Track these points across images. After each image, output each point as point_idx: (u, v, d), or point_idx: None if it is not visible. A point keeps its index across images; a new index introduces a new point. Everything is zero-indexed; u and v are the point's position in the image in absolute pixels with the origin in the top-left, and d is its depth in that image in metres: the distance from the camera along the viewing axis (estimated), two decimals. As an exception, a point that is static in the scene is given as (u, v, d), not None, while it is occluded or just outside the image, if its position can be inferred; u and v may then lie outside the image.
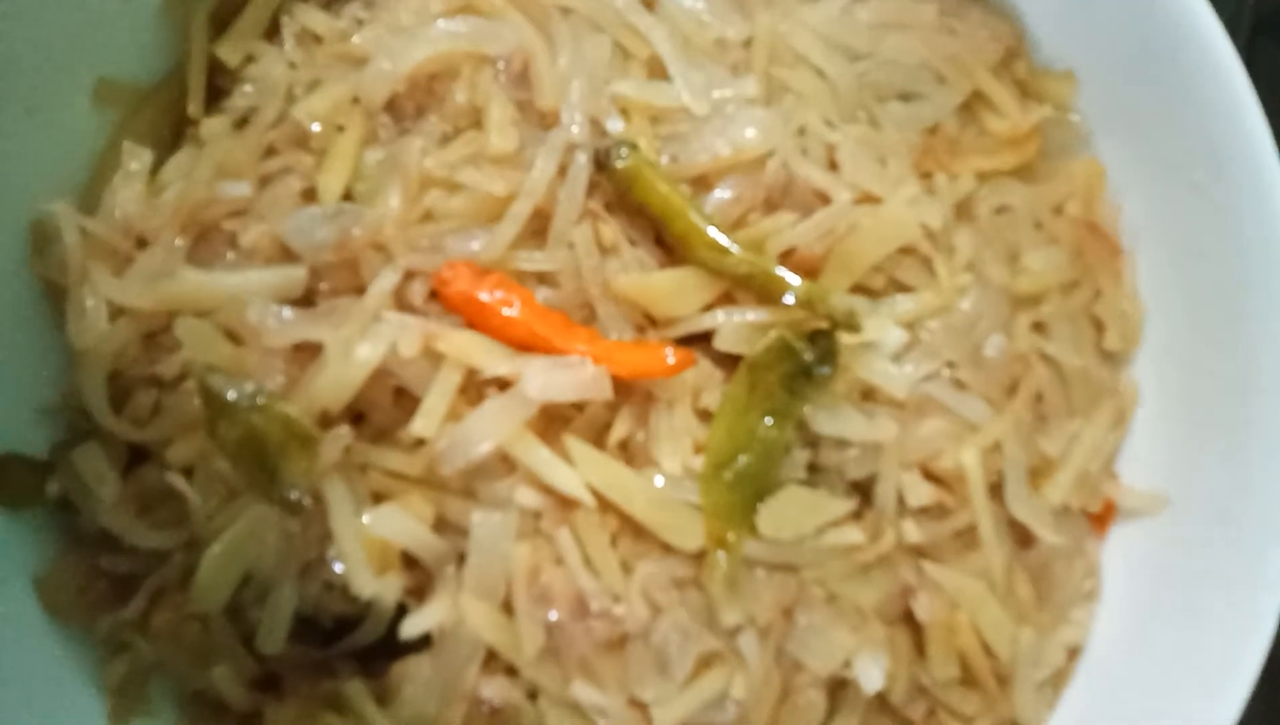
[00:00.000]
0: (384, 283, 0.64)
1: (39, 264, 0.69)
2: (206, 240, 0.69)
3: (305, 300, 0.66)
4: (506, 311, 0.63)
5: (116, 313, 0.67)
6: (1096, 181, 0.74)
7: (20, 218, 0.69)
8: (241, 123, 0.71)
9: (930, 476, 0.67)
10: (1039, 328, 0.71)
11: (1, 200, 0.68)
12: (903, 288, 0.68)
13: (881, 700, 0.67)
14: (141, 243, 0.69)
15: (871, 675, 0.65)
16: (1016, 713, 0.69)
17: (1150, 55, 0.69)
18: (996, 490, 0.68)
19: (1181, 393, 0.73)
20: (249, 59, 0.72)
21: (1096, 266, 0.72)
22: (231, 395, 0.62)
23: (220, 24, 0.73)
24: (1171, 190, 0.71)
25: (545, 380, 0.61)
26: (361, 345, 0.62)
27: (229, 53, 0.72)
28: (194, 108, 0.72)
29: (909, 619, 0.68)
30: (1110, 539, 0.75)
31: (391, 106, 0.67)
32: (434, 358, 0.63)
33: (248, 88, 0.71)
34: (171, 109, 0.74)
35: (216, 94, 0.73)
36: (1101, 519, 0.74)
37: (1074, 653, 0.72)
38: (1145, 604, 0.72)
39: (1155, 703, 0.68)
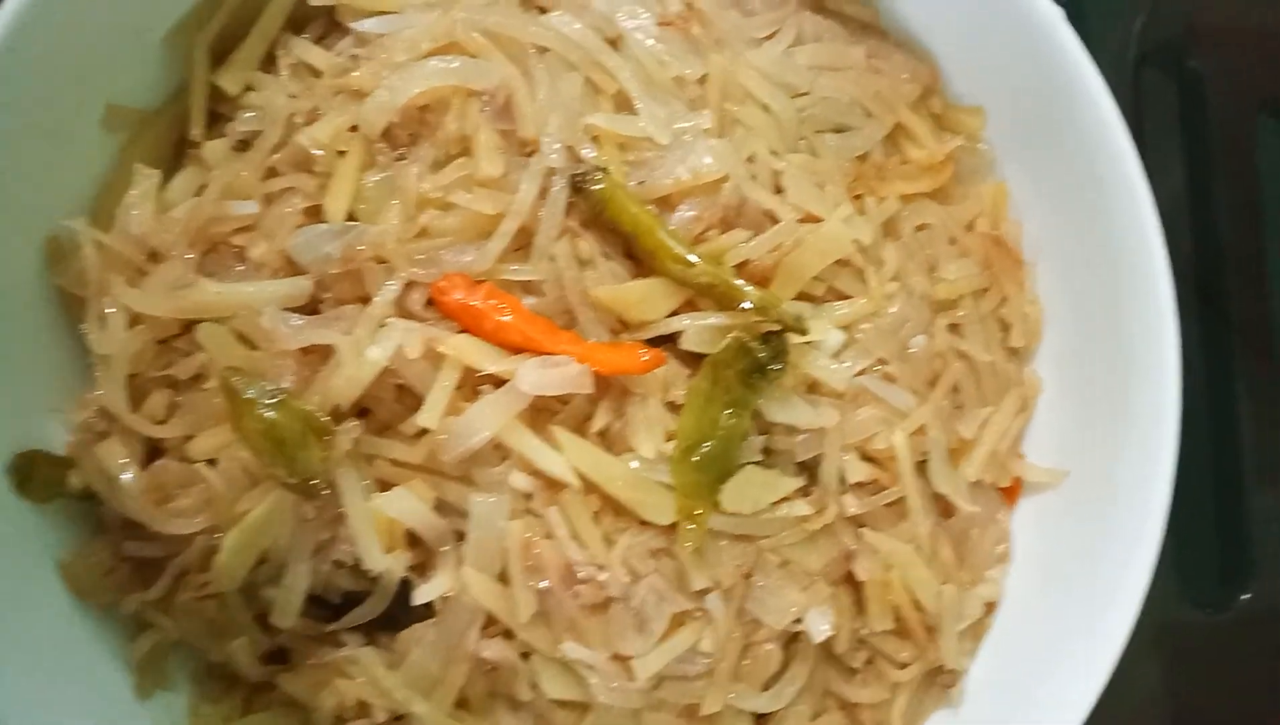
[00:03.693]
0: (388, 292, 0.69)
1: (56, 276, 0.74)
2: (215, 254, 0.74)
3: (309, 309, 0.72)
4: (499, 317, 0.68)
5: (133, 320, 0.72)
6: (1002, 202, 0.82)
7: (37, 233, 0.73)
8: (240, 146, 0.76)
9: (866, 457, 0.74)
10: (955, 329, 0.79)
11: (21, 217, 0.72)
12: (840, 295, 0.75)
13: (828, 650, 0.75)
14: (154, 256, 0.73)
15: (819, 628, 0.72)
16: (943, 658, 0.77)
17: (1043, 94, 0.78)
18: (922, 468, 0.76)
19: (1074, 382, 0.82)
20: (249, 88, 0.77)
21: (1002, 276, 0.81)
22: (252, 393, 0.67)
23: (219, 55, 0.78)
24: (1063, 210, 0.80)
25: (536, 377, 0.67)
26: (371, 348, 0.68)
27: (229, 82, 0.77)
28: (196, 131, 0.77)
29: (850, 579, 0.75)
30: (1018, 509, 0.84)
31: (388, 135, 0.71)
32: (434, 358, 0.68)
33: (248, 114, 0.76)
34: (173, 132, 0.79)
35: (214, 119, 0.78)
36: (1010, 492, 0.83)
37: (990, 606, 0.80)
38: (1048, 561, 0.80)
39: (1056, 643, 0.76)
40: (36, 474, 0.72)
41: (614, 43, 0.75)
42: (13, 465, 0.72)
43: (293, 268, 0.72)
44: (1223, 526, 1.03)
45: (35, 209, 0.73)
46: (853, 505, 0.74)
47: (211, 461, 0.71)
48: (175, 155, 0.79)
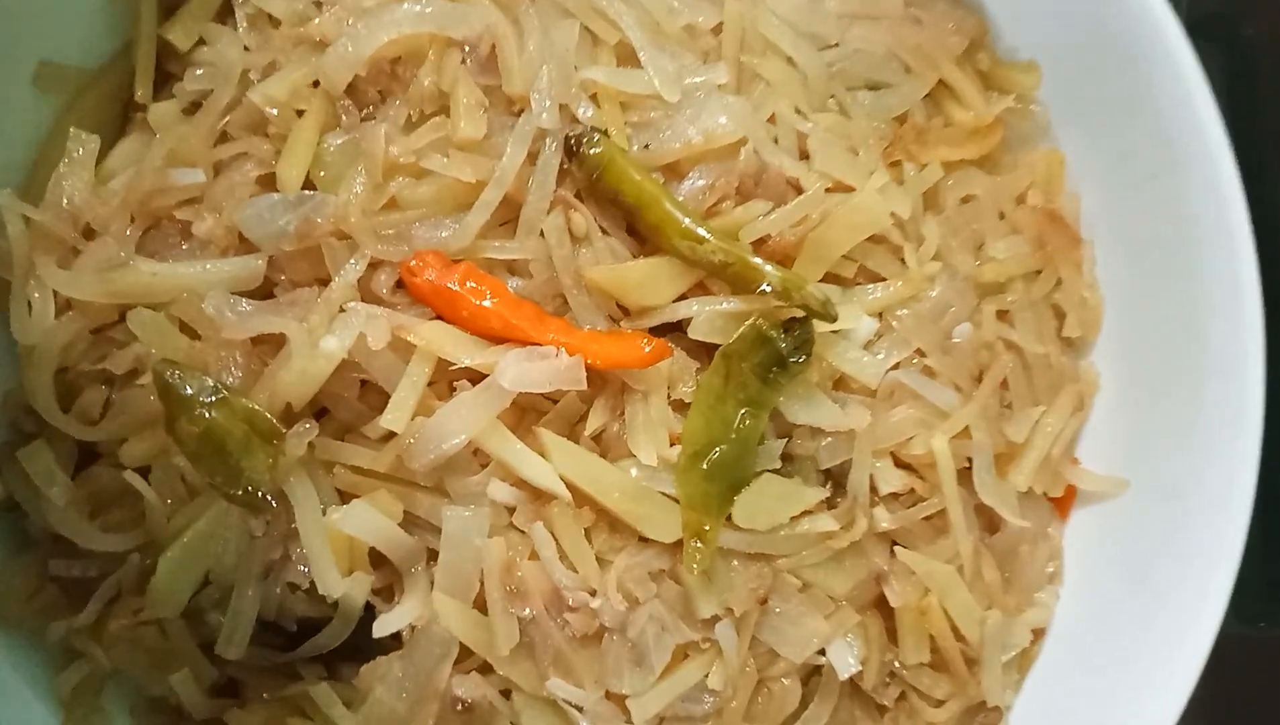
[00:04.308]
0: (349, 273, 0.62)
1: None
2: (158, 230, 0.67)
3: (263, 292, 0.65)
4: (478, 302, 0.61)
5: (64, 306, 0.65)
6: (1057, 172, 0.75)
7: None
8: (192, 108, 0.69)
9: (901, 463, 0.67)
10: (1003, 316, 0.72)
11: None
12: (873, 277, 0.68)
13: (854, 686, 0.68)
14: (89, 233, 0.66)
15: (845, 661, 0.66)
16: (984, 693, 0.69)
17: (1109, 49, 0.70)
18: (965, 476, 0.69)
19: (1137, 377, 0.74)
20: (200, 42, 0.69)
21: (1057, 256, 0.73)
22: (190, 390, 0.60)
23: (170, 5, 0.70)
24: (1129, 180, 0.72)
25: (519, 371, 0.60)
26: (328, 337, 0.60)
27: (179, 35, 0.69)
28: (142, 92, 0.69)
29: (880, 604, 0.68)
30: (1070, 521, 0.76)
31: (353, 91, 0.65)
32: (403, 350, 0.61)
33: (199, 71, 0.69)
34: (118, 94, 0.71)
35: (165, 78, 0.71)
36: (1063, 502, 0.75)
37: (1039, 633, 0.73)
38: (1105, 583, 0.73)
39: (1115, 679, 0.69)
40: (-48, 481, 0.65)
41: (617, -13, 0.68)
42: (-76, 472, 0.65)
43: (244, 245, 0.65)
44: (1272, 536, 0.94)
45: (-45, 181, 0.65)
46: (885, 519, 0.67)
47: (145, 470, 0.64)
48: (120, 120, 0.72)
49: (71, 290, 0.64)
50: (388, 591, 0.64)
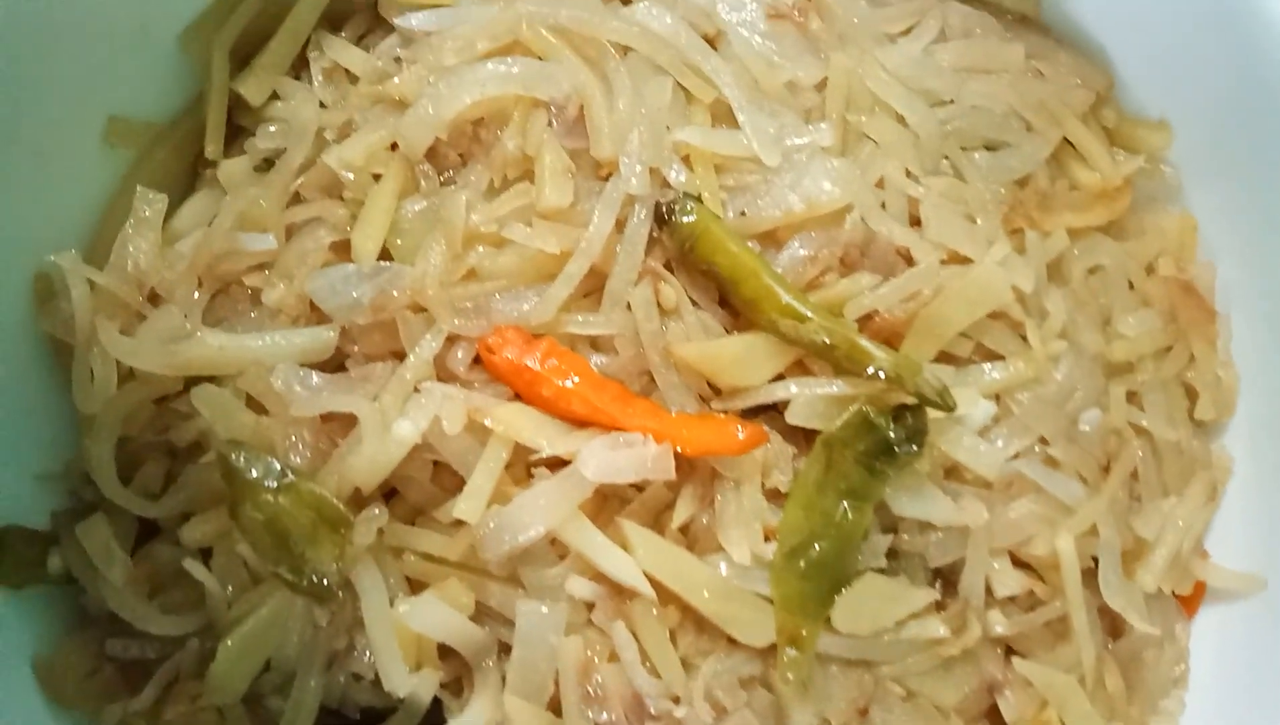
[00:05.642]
0: (425, 349, 0.60)
1: (44, 320, 0.65)
2: (226, 295, 0.66)
3: (334, 363, 0.63)
4: (560, 382, 0.59)
5: (126, 375, 0.64)
6: (1190, 238, 0.71)
7: (24, 269, 0.64)
8: (264, 166, 0.68)
9: (1019, 563, 0.63)
10: (1132, 397, 0.67)
11: (6, 251, 0.63)
12: (991, 355, 0.64)
13: None
14: (155, 297, 0.65)
15: None
16: None
17: (1250, 99, 0.65)
18: (1087, 576, 0.64)
19: (1274, 464, 0.69)
20: (274, 97, 0.69)
21: (1190, 331, 0.68)
22: (255, 473, 0.58)
23: (243, 59, 0.69)
24: (1270, 246, 0.67)
25: (603, 461, 0.57)
26: (401, 421, 0.58)
27: (252, 90, 0.68)
28: (212, 148, 0.68)
29: (993, 715, 0.64)
30: (1198, 620, 0.71)
31: (433, 154, 0.63)
32: (479, 432, 0.59)
33: (272, 128, 0.68)
34: (187, 150, 0.71)
35: (236, 133, 0.70)
36: (1191, 600, 0.70)
37: None
38: (1237, 690, 0.68)
39: None
40: (11, 553, 0.63)
41: (713, 41, 0.66)
42: (-18, 541, 0.63)
43: (316, 315, 0.63)
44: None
45: (23, 241, 0.64)
46: (1000, 624, 0.63)
47: (206, 551, 0.62)
48: (189, 176, 0.71)
49: (135, 360, 0.62)
50: (456, 685, 0.62)
